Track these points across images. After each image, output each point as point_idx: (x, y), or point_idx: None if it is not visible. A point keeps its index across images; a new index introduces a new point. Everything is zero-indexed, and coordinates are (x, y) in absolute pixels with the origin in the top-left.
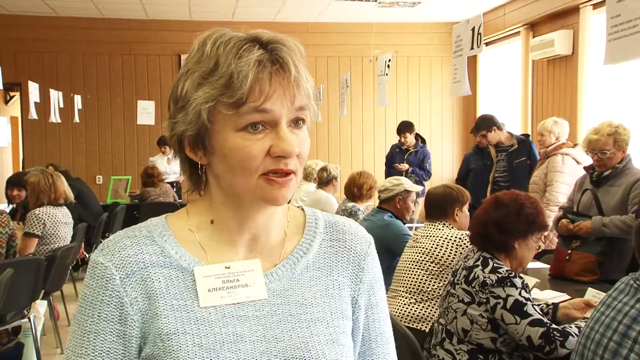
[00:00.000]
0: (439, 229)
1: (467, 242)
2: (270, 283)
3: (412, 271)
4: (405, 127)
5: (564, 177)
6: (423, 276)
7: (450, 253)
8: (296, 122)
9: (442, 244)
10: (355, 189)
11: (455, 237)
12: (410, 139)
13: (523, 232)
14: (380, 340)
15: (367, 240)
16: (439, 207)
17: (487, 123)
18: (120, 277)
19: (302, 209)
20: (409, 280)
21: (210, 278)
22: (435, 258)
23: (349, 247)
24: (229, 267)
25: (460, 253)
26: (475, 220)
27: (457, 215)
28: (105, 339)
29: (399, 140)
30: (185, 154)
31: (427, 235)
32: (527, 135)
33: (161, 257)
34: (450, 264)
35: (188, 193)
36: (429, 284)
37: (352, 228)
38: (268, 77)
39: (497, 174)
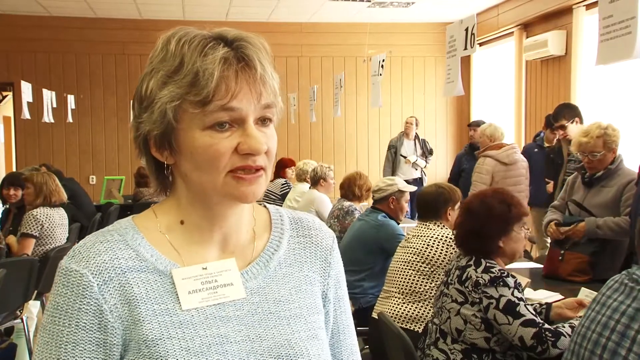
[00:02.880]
0: (430, 229)
1: None
2: (247, 282)
3: (404, 271)
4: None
5: (481, 178)
6: (414, 276)
7: (440, 253)
8: (263, 121)
9: (433, 243)
10: (356, 189)
11: (446, 237)
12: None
13: (502, 230)
14: (347, 332)
15: (331, 235)
16: (431, 206)
17: (571, 111)
18: (98, 284)
19: (265, 206)
20: (401, 281)
21: (189, 280)
22: (426, 258)
23: (315, 243)
24: (206, 268)
25: (451, 253)
26: (457, 231)
27: (449, 214)
28: (85, 349)
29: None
30: (151, 154)
31: (418, 235)
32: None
33: (137, 261)
34: (441, 264)
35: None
36: (421, 284)
37: (315, 223)
38: (234, 74)
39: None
